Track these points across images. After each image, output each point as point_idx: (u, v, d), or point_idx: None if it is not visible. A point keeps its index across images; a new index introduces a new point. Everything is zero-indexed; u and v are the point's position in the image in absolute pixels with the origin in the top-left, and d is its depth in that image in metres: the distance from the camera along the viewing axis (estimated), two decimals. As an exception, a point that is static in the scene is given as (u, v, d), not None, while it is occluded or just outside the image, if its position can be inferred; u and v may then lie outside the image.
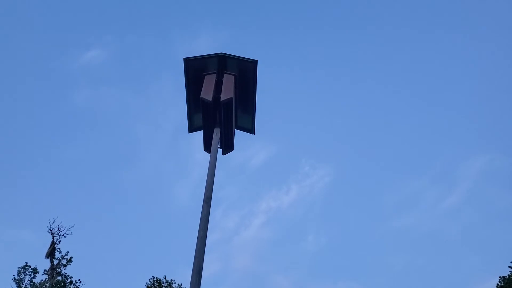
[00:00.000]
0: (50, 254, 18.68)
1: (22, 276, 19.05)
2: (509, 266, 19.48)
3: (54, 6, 46.23)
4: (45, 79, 47.74)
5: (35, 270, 19.28)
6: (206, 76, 5.75)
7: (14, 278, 18.97)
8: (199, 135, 5.81)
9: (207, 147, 5.66)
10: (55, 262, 18.81)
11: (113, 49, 50.97)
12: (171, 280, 22.21)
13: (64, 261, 19.03)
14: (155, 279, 21.96)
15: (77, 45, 48.50)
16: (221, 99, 5.46)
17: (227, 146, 5.84)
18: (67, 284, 18.87)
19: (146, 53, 50.22)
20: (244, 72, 5.84)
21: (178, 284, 22.19)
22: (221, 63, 5.86)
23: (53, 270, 18.50)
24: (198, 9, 48.58)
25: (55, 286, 18.14)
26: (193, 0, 47.92)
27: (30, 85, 47.22)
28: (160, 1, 47.69)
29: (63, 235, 18.92)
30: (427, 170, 49.42)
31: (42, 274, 18.99)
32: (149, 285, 21.69)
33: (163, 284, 21.87)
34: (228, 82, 5.69)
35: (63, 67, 47.70)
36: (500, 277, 19.70)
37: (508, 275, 19.38)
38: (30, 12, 46.48)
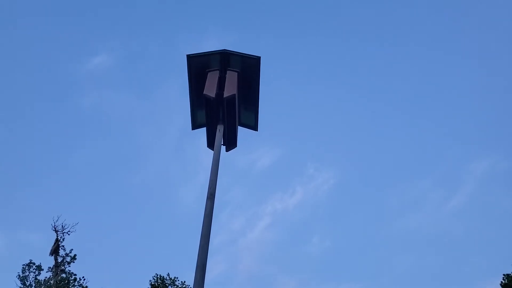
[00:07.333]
0: (54, 251, 18.74)
1: (27, 273, 19.15)
2: (512, 264, 19.43)
3: (61, 13, 46.36)
4: (52, 84, 47.97)
5: (39, 268, 19.38)
6: (209, 73, 5.73)
7: (19, 275, 19.08)
8: (204, 136, 5.79)
9: (211, 144, 5.65)
10: (59, 259, 18.88)
11: (119, 54, 51.12)
12: (175, 277, 22.26)
13: (68, 259, 19.11)
14: (158, 276, 22.02)
15: (84, 50, 48.68)
16: (224, 96, 5.44)
17: (231, 142, 5.83)
18: (71, 281, 18.94)
19: (151, 57, 50.31)
20: (247, 68, 5.81)
21: (182, 282, 22.24)
22: (224, 59, 5.83)
23: (57, 268, 18.57)
24: (203, 13, 48.53)
25: (59, 283, 18.21)
26: (199, 5, 47.86)
27: (38, 90, 47.48)
28: (165, 6, 47.67)
29: (67, 232, 19.00)
30: (431, 173, 49.29)
31: (47, 272, 19.10)
32: (152, 283, 21.75)
33: (166, 282, 21.92)
34: (231, 79, 5.66)
35: (70, 72, 47.94)
36: (504, 274, 19.65)
37: (512, 272, 19.32)
38: (37, 19, 46.64)
